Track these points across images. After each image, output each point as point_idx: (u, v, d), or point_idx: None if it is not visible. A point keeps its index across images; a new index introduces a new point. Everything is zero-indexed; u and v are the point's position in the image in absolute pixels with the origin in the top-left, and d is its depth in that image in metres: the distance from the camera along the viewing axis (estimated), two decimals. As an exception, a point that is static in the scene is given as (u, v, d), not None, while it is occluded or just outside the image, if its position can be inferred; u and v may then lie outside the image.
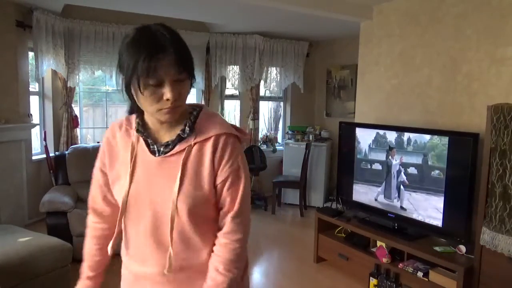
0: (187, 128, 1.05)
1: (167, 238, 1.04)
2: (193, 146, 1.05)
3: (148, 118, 1.08)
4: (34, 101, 4.34)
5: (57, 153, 4.28)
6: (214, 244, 1.09)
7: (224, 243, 1.06)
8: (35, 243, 2.62)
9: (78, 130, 4.61)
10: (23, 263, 2.42)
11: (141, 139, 1.08)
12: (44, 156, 4.29)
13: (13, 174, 3.97)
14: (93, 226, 1.23)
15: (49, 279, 2.56)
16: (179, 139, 1.05)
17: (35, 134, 4.44)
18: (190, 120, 1.07)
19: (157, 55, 0.90)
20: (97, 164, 1.18)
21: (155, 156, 1.06)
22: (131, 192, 1.06)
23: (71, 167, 3.92)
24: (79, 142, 4.63)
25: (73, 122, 4.50)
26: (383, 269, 2.95)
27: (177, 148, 1.05)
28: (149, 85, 0.93)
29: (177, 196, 1.02)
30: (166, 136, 1.08)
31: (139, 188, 1.06)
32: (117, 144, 1.12)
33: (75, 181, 3.89)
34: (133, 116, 1.11)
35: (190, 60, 0.98)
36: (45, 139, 4.33)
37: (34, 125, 4.24)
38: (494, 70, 2.76)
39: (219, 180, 1.06)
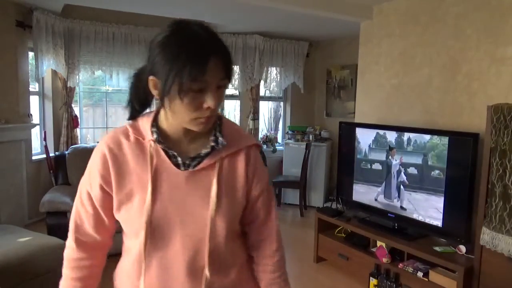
0: (220, 139, 0.95)
1: (201, 261, 0.94)
2: (224, 158, 0.97)
3: (168, 126, 0.95)
4: (34, 101, 4.34)
5: (57, 153, 4.28)
6: (247, 261, 1.06)
7: (277, 261, 1.06)
8: (35, 243, 2.62)
9: (78, 130, 4.61)
10: (23, 263, 2.42)
11: (160, 151, 0.94)
12: (44, 156, 4.29)
13: (13, 174, 3.97)
14: (77, 265, 1.02)
15: (49, 279, 2.56)
16: (209, 151, 0.95)
17: (35, 134, 4.44)
18: (217, 131, 0.97)
19: (206, 59, 0.81)
20: (93, 180, 0.96)
21: (179, 169, 0.94)
22: (155, 213, 0.91)
23: (71, 167, 3.91)
24: (79, 142, 4.63)
25: (73, 122, 4.50)
26: (383, 269, 2.95)
27: (207, 161, 0.94)
28: (191, 91, 0.83)
29: (215, 215, 0.93)
30: (191, 147, 0.96)
31: (166, 208, 0.92)
32: (126, 156, 0.94)
33: (75, 181, 3.89)
34: (139, 124, 0.97)
35: (232, 65, 0.90)
36: (45, 139, 4.33)
37: (34, 125, 4.24)
38: (494, 70, 2.76)
39: (254, 193, 1.01)
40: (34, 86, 4.39)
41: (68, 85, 4.40)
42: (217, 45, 0.85)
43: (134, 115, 0.99)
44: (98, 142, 1.02)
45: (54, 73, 4.40)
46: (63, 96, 4.45)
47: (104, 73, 4.74)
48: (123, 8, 4.19)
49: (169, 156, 0.94)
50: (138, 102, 0.97)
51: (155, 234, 0.92)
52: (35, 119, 4.35)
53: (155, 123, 0.96)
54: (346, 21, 3.89)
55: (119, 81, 4.75)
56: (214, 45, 0.84)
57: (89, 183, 0.97)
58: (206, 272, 0.94)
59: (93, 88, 5.41)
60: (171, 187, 0.93)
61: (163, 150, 0.94)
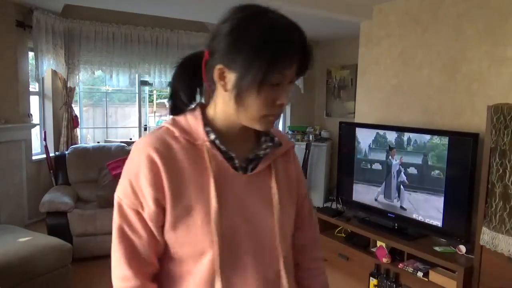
0: (276, 139, 0.89)
1: (277, 272, 0.85)
2: (278, 159, 0.90)
3: (222, 125, 0.84)
4: (34, 101, 4.34)
5: (57, 153, 4.28)
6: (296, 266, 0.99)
7: (323, 263, 1.05)
8: (35, 243, 2.62)
9: (78, 130, 4.61)
10: (23, 263, 2.42)
11: (217, 153, 0.82)
12: (44, 156, 4.29)
13: (13, 174, 3.97)
14: None
15: (49, 279, 2.56)
16: (265, 152, 0.87)
17: (35, 134, 4.44)
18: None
19: (293, 52, 0.75)
20: (144, 195, 0.77)
21: (237, 172, 0.84)
22: (224, 227, 0.78)
23: (71, 167, 3.92)
24: (79, 142, 4.63)
25: (73, 122, 4.50)
26: (383, 269, 2.95)
27: (263, 163, 0.86)
28: (270, 85, 0.75)
29: (282, 221, 0.85)
30: (244, 148, 0.87)
31: (233, 217, 0.80)
32: (179, 161, 0.79)
33: (75, 181, 3.90)
34: (184, 123, 0.83)
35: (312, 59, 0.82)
36: (45, 139, 4.33)
37: (34, 125, 4.24)
38: (494, 70, 2.76)
39: (302, 193, 0.98)
40: (34, 86, 4.39)
41: (68, 85, 4.40)
42: (302, 36, 0.77)
43: (180, 109, 0.86)
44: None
45: (54, 73, 4.40)
46: (63, 96, 4.44)
47: (104, 73, 4.74)
48: (123, 8, 4.19)
49: (226, 159, 0.83)
50: (186, 94, 0.85)
51: (225, 251, 0.78)
52: (35, 119, 4.35)
53: (208, 121, 0.84)
54: (346, 21, 3.89)
55: (119, 81, 4.76)
56: (299, 36, 0.76)
57: (137, 200, 0.78)
58: (284, 281, 0.85)
59: (93, 88, 5.42)
60: (234, 193, 0.82)
61: (221, 152, 0.82)
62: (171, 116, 0.86)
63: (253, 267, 0.82)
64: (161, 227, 0.79)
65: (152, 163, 0.77)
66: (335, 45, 5.69)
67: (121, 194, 0.80)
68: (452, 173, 2.73)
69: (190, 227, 0.77)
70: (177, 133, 0.81)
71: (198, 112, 0.84)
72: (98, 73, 4.76)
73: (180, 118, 0.84)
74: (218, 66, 0.76)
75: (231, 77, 0.76)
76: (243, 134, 0.86)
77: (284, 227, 0.86)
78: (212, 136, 0.81)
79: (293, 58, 0.75)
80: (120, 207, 0.80)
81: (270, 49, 0.72)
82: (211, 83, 0.81)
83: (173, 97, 0.86)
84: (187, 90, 0.85)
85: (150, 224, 0.78)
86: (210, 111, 0.85)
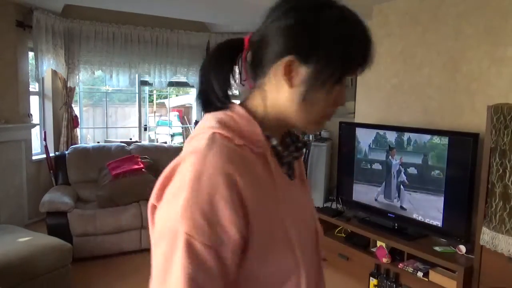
0: (305, 139, 0.89)
1: (321, 278, 0.83)
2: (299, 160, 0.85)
3: (272, 126, 0.72)
4: (34, 101, 4.34)
5: (57, 153, 4.29)
6: None
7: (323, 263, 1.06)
8: (35, 243, 2.62)
9: (78, 130, 4.61)
10: (23, 263, 2.42)
11: (274, 159, 0.71)
12: (44, 156, 4.29)
13: (13, 174, 3.97)
14: None
15: (49, 279, 2.56)
16: (301, 153, 0.84)
17: (35, 134, 4.45)
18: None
19: (371, 48, 0.69)
20: (226, 228, 0.60)
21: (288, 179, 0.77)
22: (301, 244, 0.70)
23: (71, 167, 3.92)
24: (79, 142, 4.64)
25: (73, 122, 4.51)
26: (383, 269, 2.95)
27: (296, 165, 0.82)
28: (340, 82, 0.69)
29: (319, 224, 0.84)
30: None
31: (302, 232, 0.74)
32: (256, 174, 0.66)
33: (75, 181, 3.90)
34: (232, 124, 0.68)
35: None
36: (45, 139, 4.33)
37: (34, 125, 4.24)
38: (494, 70, 2.76)
39: None
40: (34, 86, 4.39)
41: (68, 85, 4.41)
42: (369, 33, 0.70)
43: (214, 105, 0.71)
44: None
45: (54, 73, 4.40)
46: (63, 96, 4.45)
47: (104, 73, 4.74)
48: (123, 8, 4.20)
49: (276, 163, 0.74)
50: (221, 87, 0.71)
51: (302, 270, 0.69)
52: (35, 119, 4.35)
53: (260, 122, 0.71)
54: (346, 21, 3.88)
55: (119, 81, 4.76)
56: (369, 33, 0.69)
57: (216, 235, 0.60)
58: (323, 284, 0.84)
59: (93, 88, 5.42)
60: (295, 203, 0.75)
61: (276, 156, 0.73)
62: (214, 119, 0.69)
63: (317, 275, 0.79)
64: (237, 258, 0.64)
65: (232, 183, 0.61)
66: (335, 45, 5.69)
67: (191, 230, 0.59)
68: (452, 173, 2.73)
69: (271, 251, 0.65)
70: (237, 140, 0.66)
71: (243, 111, 0.70)
72: (98, 73, 4.76)
73: (225, 119, 0.69)
74: (288, 58, 0.65)
75: (301, 72, 0.66)
76: (280, 136, 0.78)
77: (321, 230, 0.85)
78: (274, 142, 0.71)
79: (365, 55, 0.68)
80: (192, 249, 0.59)
81: (351, 45, 0.66)
82: (257, 77, 0.71)
83: (205, 89, 0.71)
84: (222, 82, 0.71)
85: (230, 261, 0.61)
86: (258, 109, 0.72)
